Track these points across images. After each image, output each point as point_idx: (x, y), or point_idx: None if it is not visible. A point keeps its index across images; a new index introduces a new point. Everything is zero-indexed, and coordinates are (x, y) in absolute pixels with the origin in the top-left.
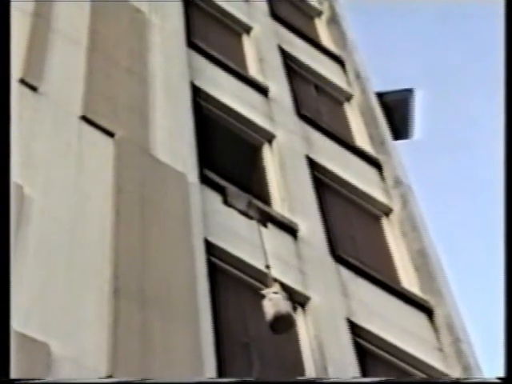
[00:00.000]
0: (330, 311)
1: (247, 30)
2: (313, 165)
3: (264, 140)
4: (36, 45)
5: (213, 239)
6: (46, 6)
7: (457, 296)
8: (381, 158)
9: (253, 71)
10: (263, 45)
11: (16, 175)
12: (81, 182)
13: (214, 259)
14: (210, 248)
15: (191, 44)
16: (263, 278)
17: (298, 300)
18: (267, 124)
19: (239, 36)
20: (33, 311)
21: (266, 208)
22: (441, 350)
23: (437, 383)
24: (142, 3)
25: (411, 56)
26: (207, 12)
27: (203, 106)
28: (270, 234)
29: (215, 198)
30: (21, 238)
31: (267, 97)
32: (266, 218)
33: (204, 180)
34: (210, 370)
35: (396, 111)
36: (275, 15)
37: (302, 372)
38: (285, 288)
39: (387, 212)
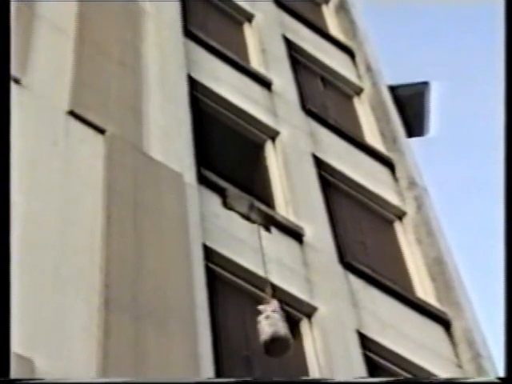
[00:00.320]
0: (338, 323)
1: (249, 18)
2: (319, 164)
3: (267, 137)
4: (18, 32)
5: (212, 245)
6: None
7: (476, 307)
8: (393, 156)
9: (255, 63)
10: (266, 34)
11: None
12: (68, 183)
13: (213, 266)
14: (209, 254)
15: (188, 33)
16: (266, 287)
17: (303, 311)
18: (270, 120)
19: (240, 25)
20: (16, 324)
21: (269, 211)
22: (459, 366)
23: (438, 383)
24: None
25: (427, 46)
26: None
27: (201, 100)
28: (274, 239)
29: (214, 200)
30: None
31: (270, 90)
32: (269, 222)
33: (202, 180)
34: None
35: (410, 106)
36: (279, 2)
37: None
38: (290, 298)
39: (400, 216)
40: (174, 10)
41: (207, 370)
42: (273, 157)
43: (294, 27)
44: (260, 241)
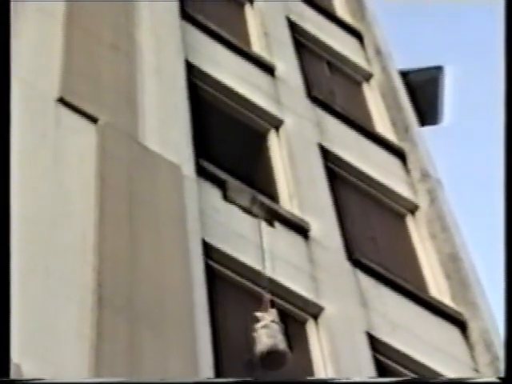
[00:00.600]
0: (346, 324)
1: None
2: (326, 155)
3: (270, 126)
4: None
5: (211, 240)
6: None
7: (495, 307)
8: (405, 146)
9: (257, 47)
10: (269, 16)
11: None
12: (59, 175)
13: (212, 263)
14: (209, 251)
15: (186, 16)
16: (269, 286)
17: (309, 311)
18: (273, 108)
19: (241, 6)
20: None
21: (272, 205)
22: (476, 370)
23: (439, 383)
24: None
25: (440, 28)
26: None
27: (200, 87)
28: (278, 234)
29: (214, 194)
30: None
31: (273, 76)
32: (273, 217)
33: (201, 172)
34: None
35: (422, 92)
36: None
37: None
38: (295, 297)
39: (413, 210)
40: None
41: (207, 373)
42: (276, 147)
43: (299, 8)
44: (260, 235)
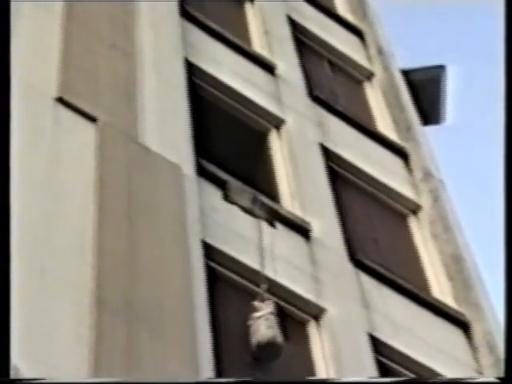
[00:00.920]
0: (348, 325)
1: None
2: (328, 154)
3: (271, 126)
4: None
5: (212, 241)
6: None
7: (498, 308)
8: (407, 146)
9: (257, 45)
10: (269, 14)
11: None
12: (57, 175)
13: (213, 264)
14: (209, 251)
15: (186, 14)
16: (270, 286)
17: (311, 312)
18: (274, 107)
19: (242, 4)
20: None
21: (273, 205)
22: (480, 372)
23: (439, 383)
24: None
25: (443, 27)
26: None
27: (200, 86)
28: (279, 234)
29: (214, 194)
30: None
31: (274, 75)
32: (274, 217)
33: (201, 172)
34: None
35: (425, 91)
36: None
37: None
38: (296, 298)
39: (415, 210)
40: None
41: (207, 376)
42: (277, 147)
43: (300, 7)
44: (261, 236)
